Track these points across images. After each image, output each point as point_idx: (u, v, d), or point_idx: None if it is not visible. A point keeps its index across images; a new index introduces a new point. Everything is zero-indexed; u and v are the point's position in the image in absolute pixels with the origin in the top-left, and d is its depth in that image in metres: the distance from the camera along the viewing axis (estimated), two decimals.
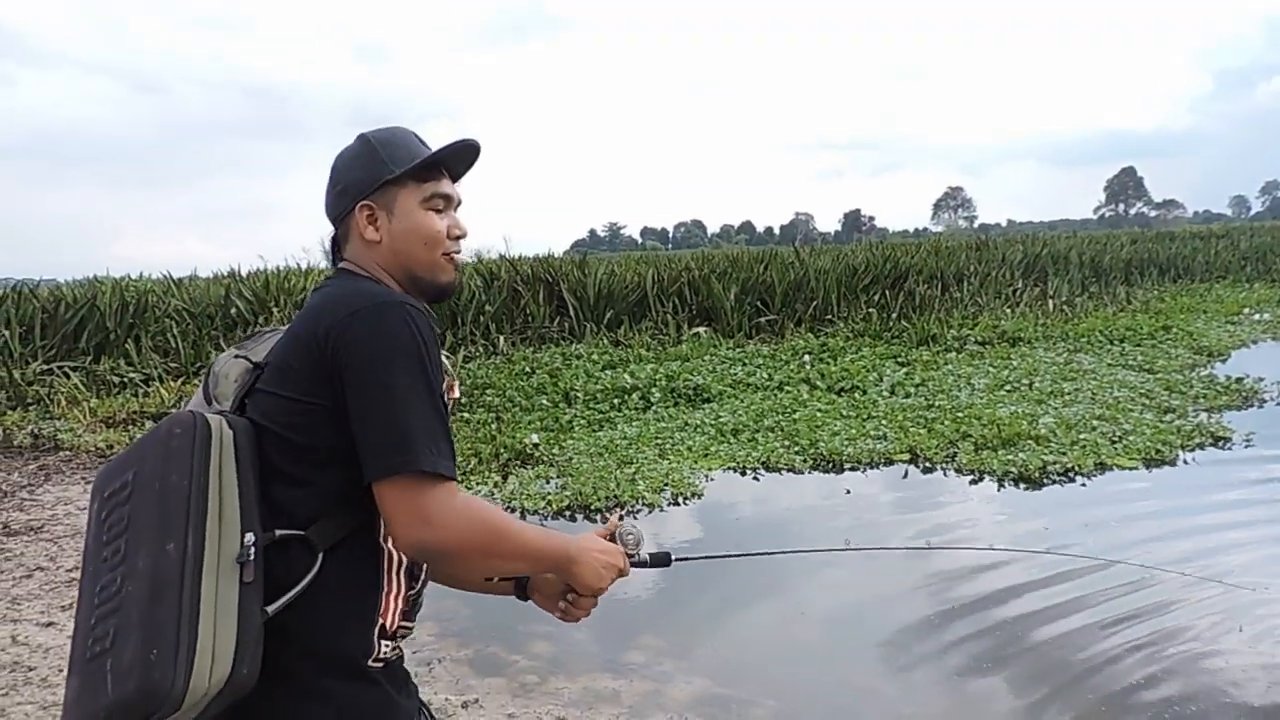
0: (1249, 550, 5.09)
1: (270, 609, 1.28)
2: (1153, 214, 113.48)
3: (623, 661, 3.94)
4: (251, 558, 1.26)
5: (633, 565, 1.55)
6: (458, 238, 1.52)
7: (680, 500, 6.32)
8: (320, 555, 1.32)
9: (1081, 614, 4.24)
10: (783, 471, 6.98)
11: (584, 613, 1.58)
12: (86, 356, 11.18)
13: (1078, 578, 4.65)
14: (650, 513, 6.11)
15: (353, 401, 1.30)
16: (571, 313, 13.85)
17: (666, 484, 6.54)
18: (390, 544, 1.37)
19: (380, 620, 1.37)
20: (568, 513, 6.16)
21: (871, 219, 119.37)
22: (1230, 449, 7.13)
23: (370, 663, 1.36)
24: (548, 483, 6.70)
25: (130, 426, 8.84)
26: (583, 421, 8.57)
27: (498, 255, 16.60)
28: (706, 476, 6.84)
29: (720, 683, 3.71)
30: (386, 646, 1.39)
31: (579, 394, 9.44)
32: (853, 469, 6.98)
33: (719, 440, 7.76)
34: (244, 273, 15.94)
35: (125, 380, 10.54)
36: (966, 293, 15.98)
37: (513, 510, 6.21)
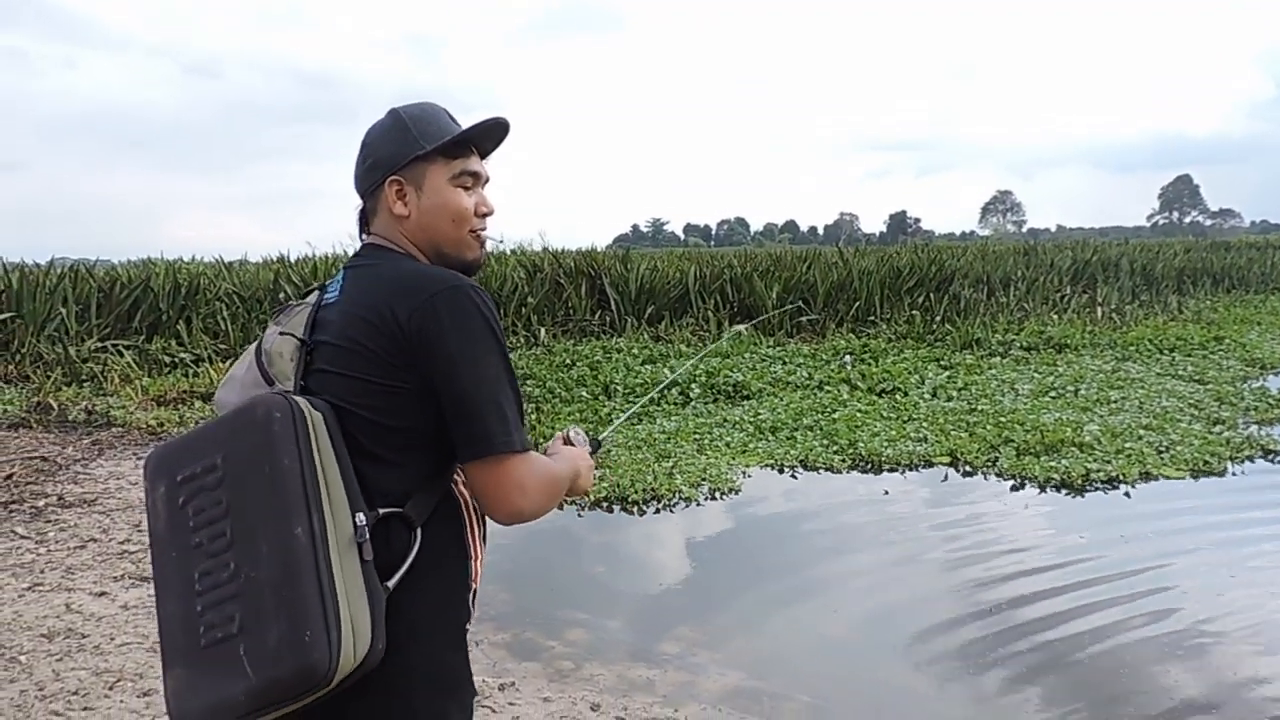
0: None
1: (390, 584, 1.33)
2: (1208, 223, 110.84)
3: (657, 651, 3.97)
4: (367, 538, 1.30)
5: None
6: (485, 215, 1.55)
7: (717, 495, 6.34)
8: (418, 530, 1.37)
9: (1110, 622, 4.19)
10: (821, 470, 6.97)
11: None
12: (139, 336, 11.46)
13: (1110, 584, 4.60)
14: (688, 506, 6.13)
15: (445, 387, 1.35)
16: (613, 306, 13.90)
17: (704, 479, 6.56)
18: (471, 512, 1.44)
19: (473, 585, 1.45)
20: (604, 504, 6.20)
21: (917, 221, 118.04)
22: None
23: (463, 627, 1.45)
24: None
25: (180, 405, 9.05)
26: (622, 415, 8.60)
27: (540, 248, 16.71)
28: (744, 473, 6.84)
29: (754, 676, 3.72)
30: (471, 608, 1.47)
31: (619, 387, 9.49)
32: (891, 470, 6.94)
33: (757, 437, 7.76)
34: (292, 258, 16.21)
35: (176, 360, 10.79)
36: (1013, 298, 15.76)
37: None
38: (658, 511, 6.08)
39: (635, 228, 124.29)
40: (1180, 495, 6.25)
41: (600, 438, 1.89)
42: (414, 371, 1.36)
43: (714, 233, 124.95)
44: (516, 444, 1.36)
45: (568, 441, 1.69)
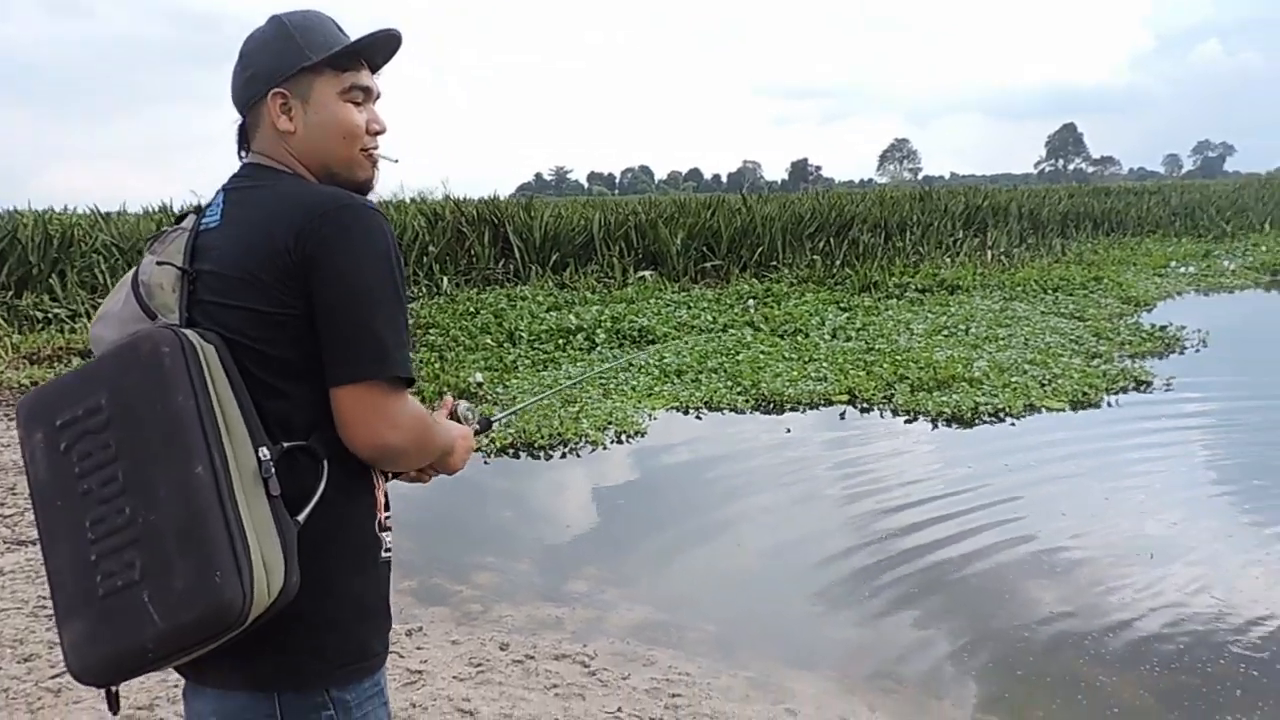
0: (1159, 491, 5.35)
1: (300, 518, 1.28)
2: (1090, 170, 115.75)
3: (566, 591, 4.03)
4: (273, 473, 1.25)
5: (475, 435, 1.64)
6: (377, 133, 1.47)
7: (624, 438, 6.40)
8: (325, 463, 1.32)
9: (989, 544, 4.43)
10: (725, 411, 7.10)
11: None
12: (8, 291, 10.80)
13: (991, 509, 4.86)
14: (594, 450, 6.17)
15: (322, 305, 1.29)
16: (517, 255, 13.75)
17: (610, 422, 6.61)
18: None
19: (378, 515, 1.41)
20: (511, 450, 6.20)
21: (818, 169, 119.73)
22: (1151, 393, 7.43)
23: (382, 554, 1.41)
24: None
25: (55, 363, 8.61)
26: (527, 361, 8.58)
27: (442, 197, 16.34)
28: (650, 416, 6.92)
29: (661, 609, 3.81)
30: (387, 538, 1.43)
31: (524, 334, 9.43)
32: (793, 409, 7.12)
33: (663, 381, 7.84)
34: (176, 208, 15.46)
35: (50, 316, 10.23)
36: (909, 242, 16.20)
37: None
38: (564, 456, 6.11)
39: (539, 176, 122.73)
40: (1061, 426, 6.60)
41: (494, 419, 1.80)
42: (303, 297, 1.30)
43: (618, 181, 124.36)
44: (399, 371, 1.30)
45: (453, 415, 1.63)
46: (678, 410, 7.15)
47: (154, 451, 1.21)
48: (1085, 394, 7.19)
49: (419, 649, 3.43)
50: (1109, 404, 7.12)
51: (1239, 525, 4.71)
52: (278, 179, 1.40)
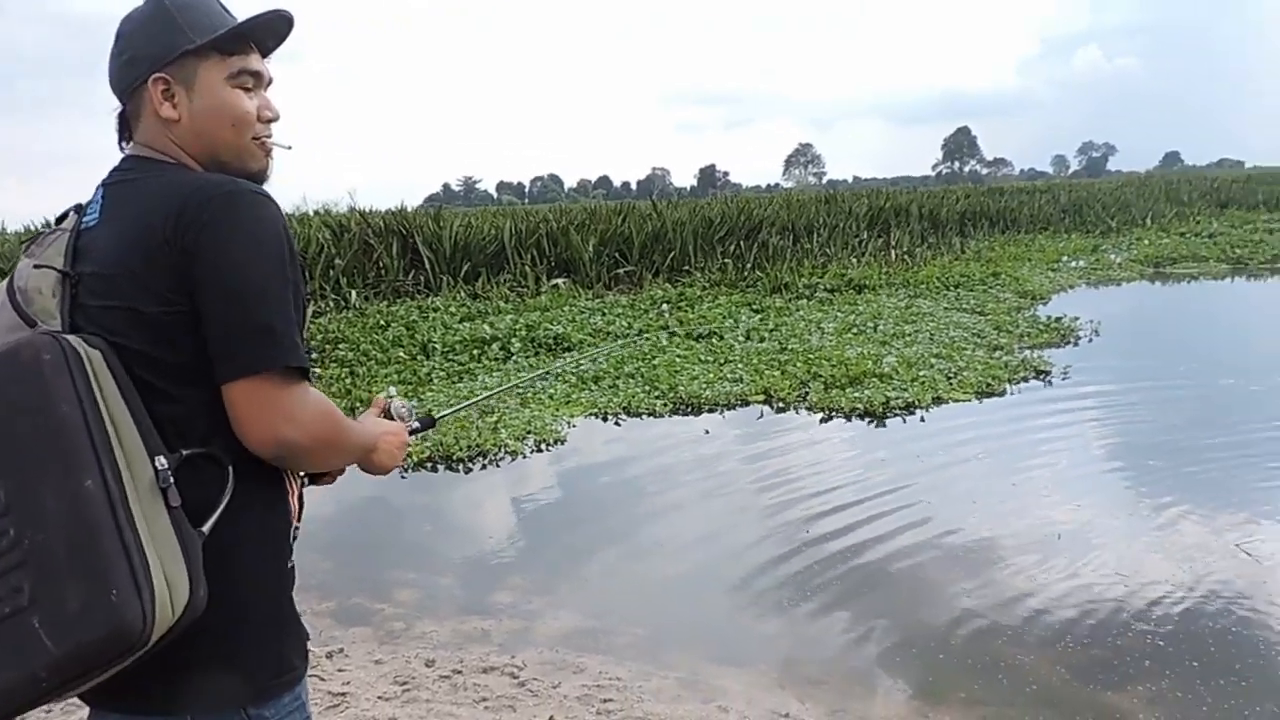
0: (1063, 475, 5.57)
1: (204, 528, 1.21)
2: (984, 171, 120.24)
3: (491, 602, 3.96)
4: (171, 482, 1.18)
5: (410, 434, 1.56)
6: (269, 120, 1.39)
7: (543, 447, 6.35)
8: (230, 469, 1.25)
9: (892, 530, 4.54)
10: (644, 416, 7.11)
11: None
12: None
13: (903, 497, 4.98)
14: (514, 460, 6.11)
15: (205, 298, 1.21)
16: (427, 266, 13.53)
17: (529, 431, 6.55)
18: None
19: (292, 523, 1.35)
20: (429, 463, 6.08)
21: (726, 174, 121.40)
22: (1051, 381, 7.74)
23: (287, 566, 1.34)
24: None
25: None
26: (441, 374, 8.45)
27: (347, 208, 15.99)
28: (569, 423, 6.88)
29: (589, 616, 3.79)
30: (293, 547, 1.36)
31: (437, 346, 9.28)
32: (711, 411, 7.18)
33: (580, 388, 7.81)
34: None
35: None
36: (816, 244, 16.55)
37: None
38: (484, 467, 6.02)
39: (446, 187, 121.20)
40: (968, 415, 6.82)
41: (437, 416, 1.73)
42: (188, 293, 1.21)
43: (528, 190, 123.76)
44: (291, 361, 1.22)
45: (386, 413, 1.56)
46: (596, 417, 7.13)
47: (39, 467, 1.13)
48: (989, 385, 7.44)
49: (340, 671, 3.32)
50: (1012, 394, 7.38)
51: (1138, 505, 4.93)
52: (160, 170, 1.31)
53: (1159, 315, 12.78)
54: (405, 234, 13.95)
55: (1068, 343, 9.43)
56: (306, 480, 1.46)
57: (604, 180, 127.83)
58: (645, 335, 9.86)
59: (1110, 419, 6.72)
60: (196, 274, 1.21)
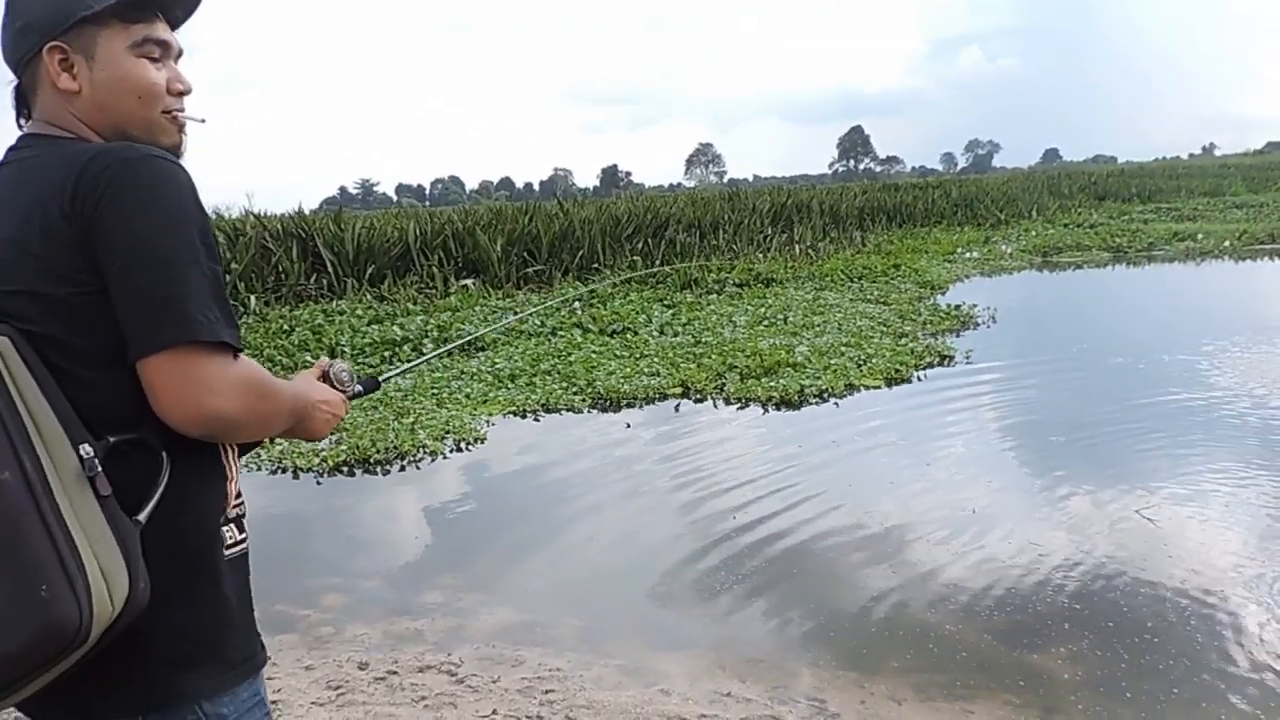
0: (973, 454, 5.79)
1: (141, 517, 1.14)
2: (879, 169, 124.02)
3: (421, 602, 3.88)
4: (98, 470, 1.11)
5: (350, 399, 1.52)
6: (181, 93, 1.31)
7: (463, 446, 6.26)
8: (164, 454, 1.18)
9: (810, 519, 4.65)
10: (563, 412, 7.08)
11: None
12: None
13: (825, 487, 5.10)
14: (434, 460, 6.00)
15: (110, 272, 1.13)
16: (330, 269, 13.18)
17: (448, 431, 6.44)
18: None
19: (234, 508, 1.29)
20: (345, 468, 5.92)
21: (629, 174, 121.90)
22: (954, 365, 8.03)
23: (227, 552, 1.27)
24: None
25: None
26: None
27: (241, 211, 15.45)
28: (488, 422, 6.80)
29: (523, 610, 3.75)
30: (234, 533, 1.29)
31: (346, 349, 9.06)
32: (629, 405, 7.19)
33: (497, 386, 7.73)
34: None
35: None
36: (722, 240, 16.77)
37: (286, 470, 5.89)
38: (403, 469, 5.90)
39: (343, 190, 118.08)
40: (879, 401, 7.01)
41: (382, 378, 1.69)
42: (92, 269, 1.14)
43: (428, 193, 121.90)
44: (202, 335, 1.14)
45: (326, 379, 1.49)
46: (515, 415, 7.06)
47: None
48: (898, 371, 7.67)
49: (269, 679, 3.20)
50: (919, 378, 7.63)
51: (1044, 478, 5.15)
52: (58, 146, 1.22)
53: (1050, 301, 13.39)
54: (305, 237, 13.56)
55: (968, 329, 9.80)
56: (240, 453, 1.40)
57: (506, 181, 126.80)
58: (558, 333, 9.82)
59: (1012, 398, 7.01)
60: (99, 248, 1.13)
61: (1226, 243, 17.62)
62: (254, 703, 1.28)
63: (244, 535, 1.32)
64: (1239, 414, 6.13)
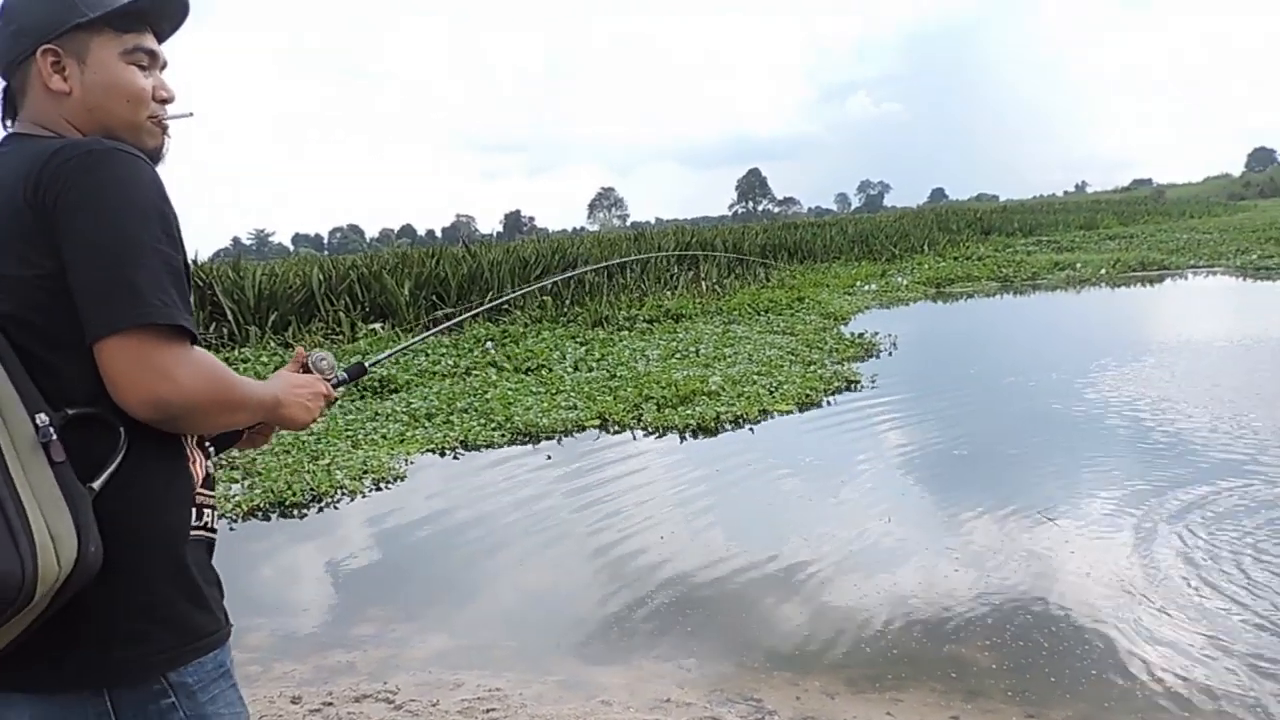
0: (883, 474, 6.02)
1: (95, 485, 1.17)
2: (776, 210, 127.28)
3: (352, 635, 3.82)
4: (53, 437, 1.14)
5: (335, 387, 1.55)
6: (165, 100, 1.38)
7: (383, 485, 6.17)
8: (122, 431, 1.20)
9: (747, 546, 4.78)
10: (483, 448, 7.05)
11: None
12: None
13: (745, 510, 5.24)
14: (353, 500, 5.90)
15: (70, 259, 1.17)
16: (230, 317, 12.84)
17: (366, 471, 6.35)
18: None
19: (195, 486, 1.31)
20: (260, 513, 5.77)
21: (532, 219, 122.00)
22: (861, 390, 8.33)
23: (206, 531, 1.31)
24: (232, 485, 6.22)
25: None
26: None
27: None
28: (407, 460, 6.73)
29: (458, 635, 3.74)
30: (210, 515, 1.33)
31: None
32: (549, 438, 7.22)
33: (413, 426, 7.65)
34: None
35: None
36: (630, 279, 16.99)
37: None
38: (321, 510, 5.78)
39: (236, 240, 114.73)
40: (792, 425, 7.22)
41: (369, 363, 1.71)
42: (54, 255, 1.18)
43: (326, 242, 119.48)
44: (156, 319, 1.17)
45: (305, 369, 1.52)
46: (434, 452, 7.00)
47: None
48: (809, 396, 7.91)
49: None
50: (829, 403, 7.88)
51: (955, 488, 5.41)
52: (37, 143, 1.26)
53: (945, 328, 14.01)
54: (202, 284, 13.18)
55: (871, 356, 10.17)
56: (213, 449, 1.42)
57: (408, 229, 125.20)
58: (472, 372, 9.78)
59: (916, 418, 7.31)
60: (61, 233, 1.18)
61: (1102, 270, 18.79)
62: (219, 673, 1.31)
63: (210, 522, 1.35)
64: (1120, 423, 6.55)
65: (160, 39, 1.40)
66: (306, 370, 1.53)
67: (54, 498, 1.13)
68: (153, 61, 1.37)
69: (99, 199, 1.18)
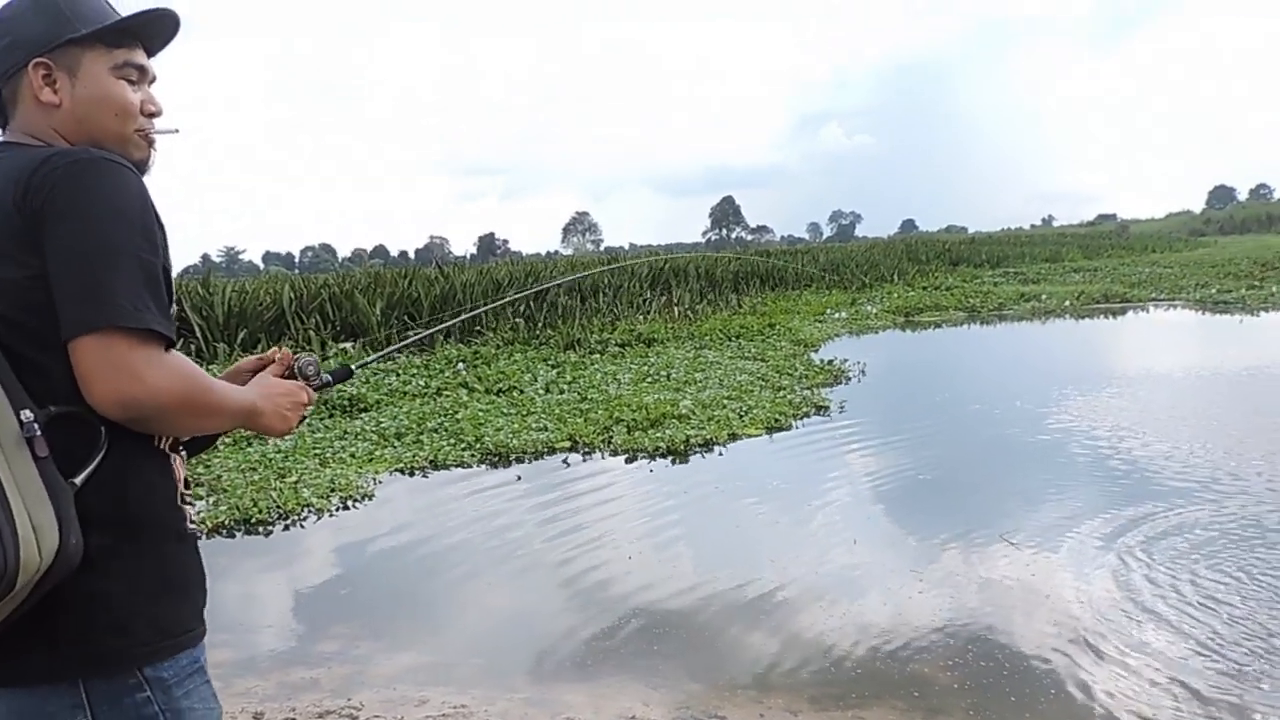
0: (852, 493, 6.09)
1: (77, 480, 1.20)
2: (750, 238, 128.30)
3: (316, 652, 3.80)
4: (37, 433, 1.17)
5: (317, 390, 1.56)
6: (153, 115, 1.41)
7: (350, 504, 6.14)
8: (103, 430, 1.23)
9: (719, 565, 4.81)
10: (452, 468, 7.04)
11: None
12: None
13: (716, 527, 5.27)
14: (320, 518, 5.87)
15: (52, 261, 1.21)
16: (199, 333, 12.73)
17: (334, 489, 6.31)
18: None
19: (178, 488, 1.33)
20: (224, 530, 5.72)
21: (505, 242, 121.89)
22: (830, 415, 8.41)
23: (187, 527, 1.34)
24: (197, 502, 6.15)
25: None
26: (228, 439, 7.94)
27: None
28: (375, 479, 6.70)
29: (423, 653, 3.72)
30: (190, 511, 1.35)
31: None
32: (519, 460, 7.22)
33: (383, 445, 7.62)
34: None
35: None
36: (603, 303, 17.05)
37: None
38: (288, 528, 5.74)
39: (206, 258, 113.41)
40: (761, 449, 7.28)
41: (354, 366, 1.73)
42: (40, 258, 1.22)
43: (298, 261, 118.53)
44: (128, 321, 1.19)
45: (290, 373, 1.53)
46: (403, 472, 6.97)
47: None
48: (778, 420, 7.98)
49: None
50: (798, 427, 7.95)
51: (919, 512, 5.47)
52: (27, 151, 1.30)
53: (914, 356, 14.18)
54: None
55: (840, 382, 10.27)
56: (184, 453, 1.44)
57: (380, 249, 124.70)
58: (443, 393, 9.76)
59: (883, 443, 7.40)
60: (46, 236, 1.22)
61: (1067, 302, 19.12)
62: (194, 669, 1.33)
63: (191, 522, 1.37)
64: (1081, 451, 6.68)
65: (150, 54, 1.44)
66: (292, 375, 1.54)
67: (37, 491, 1.16)
68: (142, 76, 1.41)
69: (84, 205, 1.22)
